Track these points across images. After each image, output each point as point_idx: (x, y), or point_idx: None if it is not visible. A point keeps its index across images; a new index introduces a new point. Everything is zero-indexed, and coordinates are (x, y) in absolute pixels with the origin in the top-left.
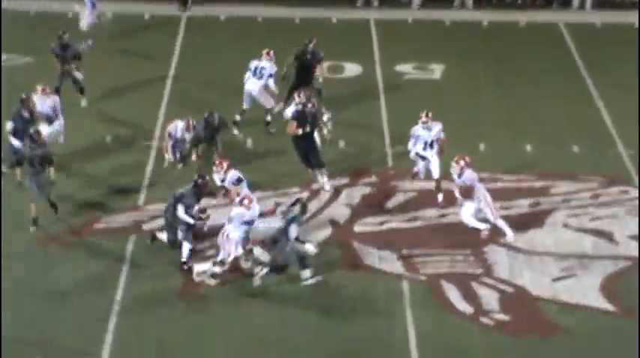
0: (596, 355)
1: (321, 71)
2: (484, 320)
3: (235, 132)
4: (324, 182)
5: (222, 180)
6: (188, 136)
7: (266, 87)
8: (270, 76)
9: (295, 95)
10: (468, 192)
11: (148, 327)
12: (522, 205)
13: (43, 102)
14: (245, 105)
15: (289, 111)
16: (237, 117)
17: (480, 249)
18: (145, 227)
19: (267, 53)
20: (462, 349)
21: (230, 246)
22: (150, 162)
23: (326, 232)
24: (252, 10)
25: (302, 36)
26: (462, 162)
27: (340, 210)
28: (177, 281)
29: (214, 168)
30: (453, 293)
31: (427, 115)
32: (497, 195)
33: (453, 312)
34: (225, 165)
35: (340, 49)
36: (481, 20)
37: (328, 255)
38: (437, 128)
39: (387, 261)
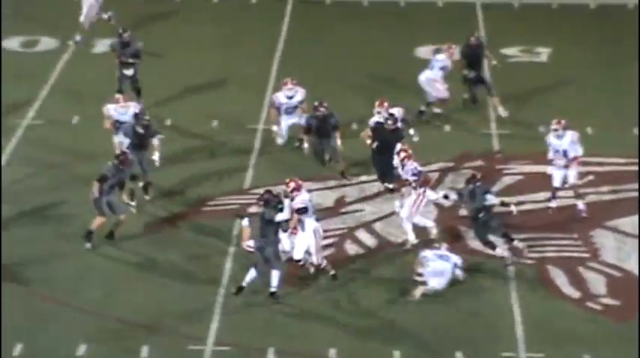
0: None
1: (490, 60)
2: (591, 304)
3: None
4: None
5: (291, 199)
6: (286, 96)
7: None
8: (442, 69)
9: (377, 104)
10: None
11: (255, 309)
12: (630, 189)
13: (122, 113)
14: (429, 99)
15: (372, 120)
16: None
17: (587, 233)
18: (252, 210)
19: (449, 47)
20: (569, 333)
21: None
22: (256, 144)
23: (431, 216)
24: None
25: (407, 19)
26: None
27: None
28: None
29: (285, 187)
30: (559, 277)
31: (559, 122)
32: (604, 178)
33: (560, 296)
34: (292, 184)
35: (446, 32)
36: (588, 3)
37: (433, 239)
38: (568, 137)
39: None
